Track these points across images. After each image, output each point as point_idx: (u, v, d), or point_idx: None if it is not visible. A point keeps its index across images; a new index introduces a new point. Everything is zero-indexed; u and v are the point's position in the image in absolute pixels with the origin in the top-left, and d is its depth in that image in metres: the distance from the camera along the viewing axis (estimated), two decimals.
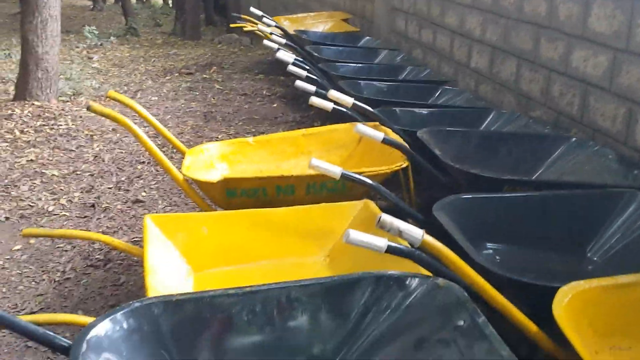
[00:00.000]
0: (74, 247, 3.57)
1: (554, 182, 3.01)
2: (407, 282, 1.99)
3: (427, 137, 3.28)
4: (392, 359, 1.88)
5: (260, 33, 6.69)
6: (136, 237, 3.68)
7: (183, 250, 2.54)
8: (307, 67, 4.87)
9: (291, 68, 4.27)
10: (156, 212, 4.03)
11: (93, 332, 1.74)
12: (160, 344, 1.88)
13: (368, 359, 1.93)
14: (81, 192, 4.32)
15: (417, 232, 1.85)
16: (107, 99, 2.74)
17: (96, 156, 4.94)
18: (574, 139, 3.57)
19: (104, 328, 1.78)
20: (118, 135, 5.41)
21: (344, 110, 3.58)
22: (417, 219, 2.60)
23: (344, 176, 2.47)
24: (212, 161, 3.33)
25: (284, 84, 7.24)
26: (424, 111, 4.20)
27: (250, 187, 2.84)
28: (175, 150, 4.58)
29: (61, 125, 5.57)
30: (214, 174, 3.14)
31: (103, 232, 3.76)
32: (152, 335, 1.86)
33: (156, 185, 4.45)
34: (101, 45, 9.88)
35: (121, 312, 1.82)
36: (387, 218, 1.85)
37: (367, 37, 7.16)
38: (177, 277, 2.43)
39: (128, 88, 7.11)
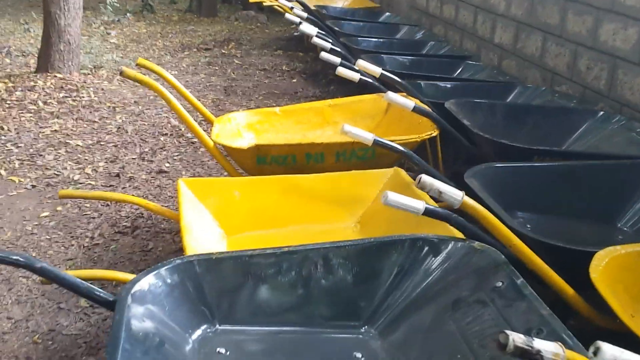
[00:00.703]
0: (101, 214, 3.60)
1: (584, 153, 3.00)
2: (443, 245, 2.00)
3: (455, 108, 3.28)
4: (429, 318, 1.89)
5: (280, 8, 6.67)
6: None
7: (215, 214, 2.57)
8: (330, 41, 4.86)
9: (315, 40, 4.26)
10: None
11: (138, 286, 1.77)
12: (200, 300, 1.91)
13: (404, 319, 1.95)
14: (106, 162, 4.34)
15: (457, 193, 1.86)
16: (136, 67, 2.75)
17: (119, 127, 4.96)
18: (601, 113, 3.56)
19: (147, 282, 1.81)
20: (140, 107, 5.42)
21: (370, 81, 3.58)
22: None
23: (376, 142, 2.48)
24: (239, 130, 3.35)
25: (303, 60, 7.23)
26: (449, 84, 4.19)
27: (280, 154, 2.86)
28: (202, 119, 4.59)
29: (83, 97, 5.58)
30: (242, 142, 3.16)
31: None
32: (193, 291, 1.89)
33: (179, 157, 4.47)
34: (118, 21, 9.87)
35: (164, 267, 1.85)
36: (427, 179, 1.86)
37: (388, 13, 7.13)
38: (211, 239, 2.46)
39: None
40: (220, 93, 5.91)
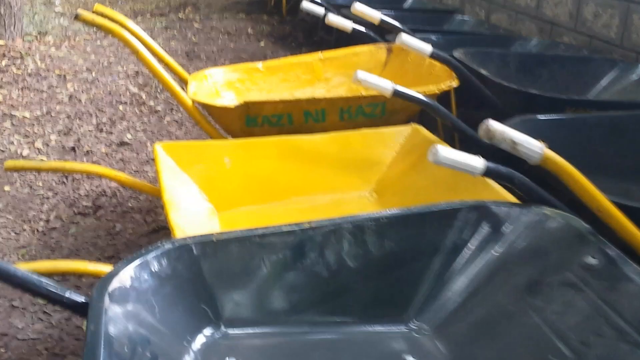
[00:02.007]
0: (56, 194, 3.09)
1: (624, 103, 2.60)
2: (510, 213, 1.57)
3: (466, 58, 2.84)
4: (499, 308, 1.47)
5: None
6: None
7: (203, 186, 2.09)
8: None
9: None
10: (145, 155, 3.56)
11: (116, 282, 1.30)
12: (200, 297, 1.45)
13: (465, 311, 1.52)
14: (58, 134, 3.80)
15: (536, 145, 1.43)
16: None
17: (71, 97, 4.40)
18: (620, 62, 3.17)
19: (129, 276, 1.34)
20: (94, 74, 4.86)
21: (364, 30, 3.13)
22: (479, 143, 2.17)
23: (396, 93, 2.03)
24: (217, 89, 2.86)
25: (269, 23, 6.71)
26: (442, 37, 3.76)
27: (274, 112, 2.38)
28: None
29: (29, 65, 4.98)
30: (225, 102, 2.67)
31: (88, 177, 3.28)
32: (190, 285, 1.43)
33: (142, 127, 3.95)
34: None
35: (151, 254, 1.38)
36: (496, 124, 1.42)
37: None
38: (200, 217, 1.98)
39: (97, 30, 6.48)
40: (183, 58, 5.37)
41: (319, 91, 2.98)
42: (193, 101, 2.48)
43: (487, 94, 2.57)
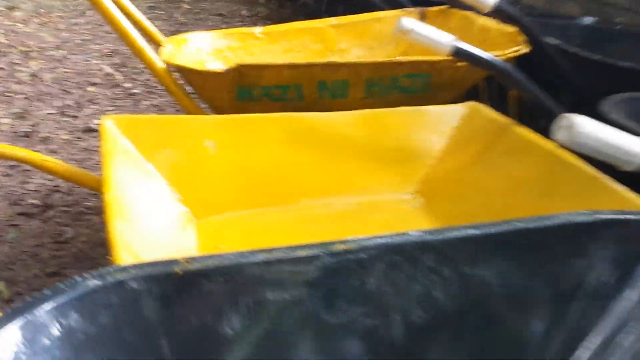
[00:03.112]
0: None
1: None
2: None
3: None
4: None
5: None
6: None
7: (174, 180, 1.43)
8: None
9: None
10: None
11: None
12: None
13: None
14: (12, 117, 3.15)
15: None
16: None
17: (33, 75, 3.74)
18: None
19: (19, 336, 0.68)
20: (63, 52, 4.20)
21: None
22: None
23: (458, 52, 1.39)
24: (201, 56, 2.21)
25: (266, 6, 6.05)
26: None
27: (277, 82, 1.72)
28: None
29: None
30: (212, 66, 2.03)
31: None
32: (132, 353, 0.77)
33: (114, 112, 3.30)
34: None
35: (52, 302, 0.72)
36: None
37: None
38: (167, 226, 1.33)
39: (75, 7, 5.82)
40: None
41: None
42: (167, 64, 1.82)
43: (565, 69, 1.92)
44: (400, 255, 0.89)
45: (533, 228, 0.94)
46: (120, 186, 1.21)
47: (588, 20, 3.12)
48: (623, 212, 0.98)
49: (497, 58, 1.43)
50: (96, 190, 1.47)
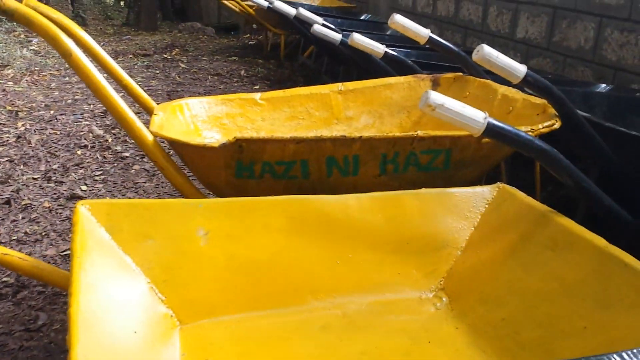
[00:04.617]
0: None
1: None
2: None
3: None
4: None
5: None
6: (69, 251, 2.32)
7: (156, 277, 1.21)
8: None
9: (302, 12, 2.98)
10: None
11: None
12: None
13: None
14: None
15: None
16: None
17: (20, 137, 3.55)
18: None
19: None
20: (52, 112, 4.02)
21: (403, 58, 2.32)
22: (625, 219, 1.33)
23: (490, 129, 1.19)
24: (196, 125, 2.01)
25: (264, 66, 5.92)
26: None
27: (281, 158, 1.52)
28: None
29: None
30: (206, 140, 1.82)
31: (19, 240, 2.42)
32: None
33: (102, 177, 3.10)
34: None
35: None
36: None
37: (367, 14, 5.92)
38: (144, 335, 1.10)
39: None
40: (163, 99, 4.54)
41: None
42: (155, 135, 1.61)
43: (598, 141, 1.72)
44: None
45: None
46: (90, 290, 0.99)
47: (604, 87, 2.97)
48: None
49: (542, 142, 1.22)
50: (66, 290, 1.25)
